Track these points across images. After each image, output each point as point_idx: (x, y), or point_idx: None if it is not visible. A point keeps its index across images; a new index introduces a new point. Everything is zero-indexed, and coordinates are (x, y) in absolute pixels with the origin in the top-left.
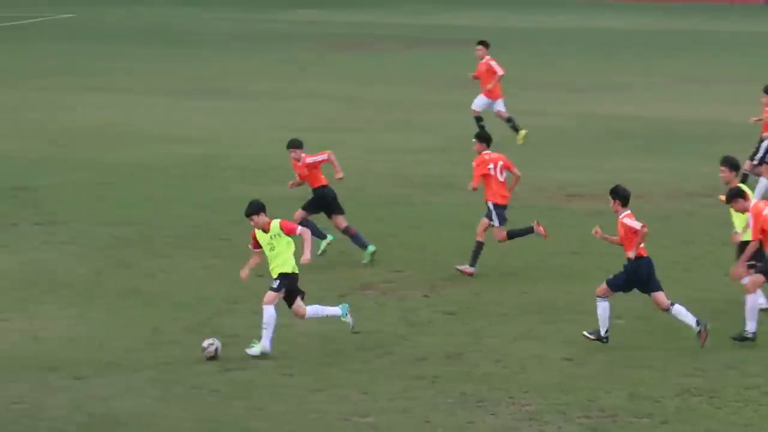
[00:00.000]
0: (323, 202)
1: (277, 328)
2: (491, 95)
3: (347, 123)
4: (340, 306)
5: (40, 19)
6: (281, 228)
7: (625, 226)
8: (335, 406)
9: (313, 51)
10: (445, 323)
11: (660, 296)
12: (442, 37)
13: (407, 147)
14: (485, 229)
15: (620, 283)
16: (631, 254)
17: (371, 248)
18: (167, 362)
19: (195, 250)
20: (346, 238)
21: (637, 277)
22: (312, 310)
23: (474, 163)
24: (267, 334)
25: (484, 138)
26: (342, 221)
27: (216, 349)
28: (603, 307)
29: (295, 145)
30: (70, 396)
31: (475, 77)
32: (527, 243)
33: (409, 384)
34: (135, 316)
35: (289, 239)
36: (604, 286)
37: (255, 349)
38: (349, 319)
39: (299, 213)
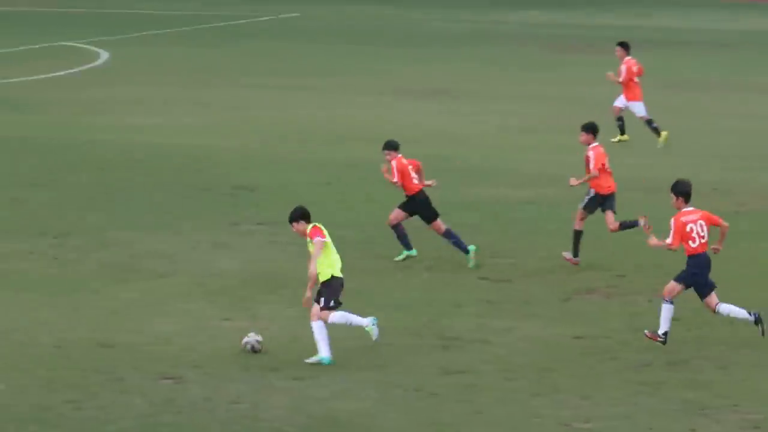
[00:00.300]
0: (420, 207)
1: (497, 332)
2: (633, 96)
3: (566, 124)
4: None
5: (262, 19)
6: (309, 234)
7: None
8: (556, 411)
9: (535, 52)
10: (670, 329)
11: (674, 285)
12: (666, 38)
13: (626, 150)
14: (612, 221)
15: (705, 283)
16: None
17: (408, 252)
18: (386, 364)
19: (417, 252)
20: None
21: (706, 271)
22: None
23: (593, 153)
24: (357, 321)
25: (592, 128)
26: (398, 219)
27: (252, 346)
28: (728, 310)
29: (387, 146)
30: (290, 397)
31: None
32: (756, 251)
33: (631, 390)
34: None
35: (326, 244)
36: (707, 300)
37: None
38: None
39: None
